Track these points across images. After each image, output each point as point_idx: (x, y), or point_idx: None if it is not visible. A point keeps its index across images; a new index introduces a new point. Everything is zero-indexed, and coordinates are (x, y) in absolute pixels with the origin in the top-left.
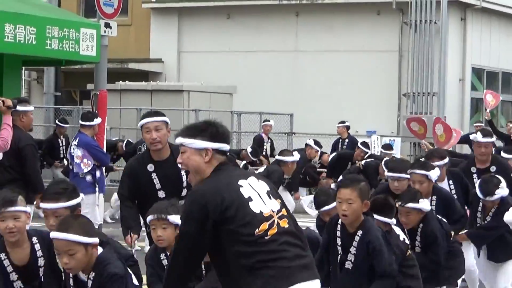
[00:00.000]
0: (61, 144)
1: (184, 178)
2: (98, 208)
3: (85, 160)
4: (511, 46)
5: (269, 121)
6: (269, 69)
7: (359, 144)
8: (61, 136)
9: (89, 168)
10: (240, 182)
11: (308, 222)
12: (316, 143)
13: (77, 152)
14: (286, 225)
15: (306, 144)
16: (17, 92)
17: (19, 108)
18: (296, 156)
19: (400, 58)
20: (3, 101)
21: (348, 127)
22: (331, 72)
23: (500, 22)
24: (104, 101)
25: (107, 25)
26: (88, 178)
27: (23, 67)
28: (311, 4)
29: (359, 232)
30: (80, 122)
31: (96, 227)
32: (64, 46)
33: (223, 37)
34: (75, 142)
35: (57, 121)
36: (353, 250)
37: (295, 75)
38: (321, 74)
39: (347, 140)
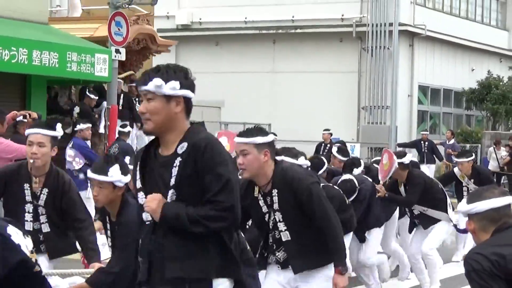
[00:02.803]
0: None
1: None
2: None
3: (76, 159)
4: (451, 67)
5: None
6: (251, 87)
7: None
8: None
9: (80, 166)
10: None
11: None
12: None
13: (70, 152)
14: None
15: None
16: (42, 107)
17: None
18: None
19: (359, 77)
20: (29, 114)
21: (331, 134)
22: (302, 90)
23: (442, 47)
24: (115, 114)
25: (117, 51)
26: (81, 176)
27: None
28: (286, 33)
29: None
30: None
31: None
32: (81, 69)
33: (213, 61)
34: (70, 145)
35: None
36: None
37: (273, 92)
38: (294, 91)
39: (328, 145)
